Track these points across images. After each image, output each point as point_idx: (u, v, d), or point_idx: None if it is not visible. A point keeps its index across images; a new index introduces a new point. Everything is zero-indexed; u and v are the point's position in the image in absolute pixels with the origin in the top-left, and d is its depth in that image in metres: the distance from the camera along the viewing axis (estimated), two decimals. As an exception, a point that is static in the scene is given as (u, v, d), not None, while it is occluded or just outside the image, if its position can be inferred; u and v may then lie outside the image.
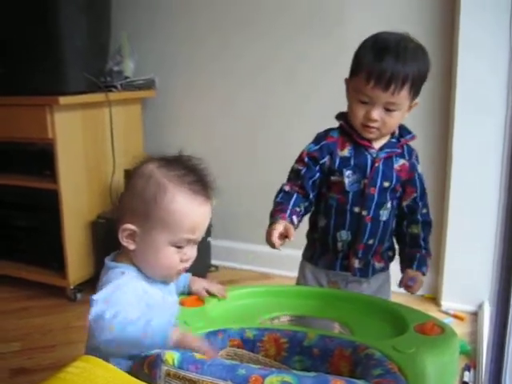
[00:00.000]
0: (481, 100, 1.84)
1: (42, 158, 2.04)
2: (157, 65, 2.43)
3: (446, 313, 1.95)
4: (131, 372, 0.75)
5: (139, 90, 2.37)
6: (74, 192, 2.07)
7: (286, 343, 0.92)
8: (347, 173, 1.16)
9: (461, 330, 1.78)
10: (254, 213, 2.15)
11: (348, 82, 1.16)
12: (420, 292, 1.45)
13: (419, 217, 1.22)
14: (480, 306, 1.93)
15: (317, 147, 1.18)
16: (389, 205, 1.19)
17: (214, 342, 0.88)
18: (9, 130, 2.00)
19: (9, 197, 2.17)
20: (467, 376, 1.50)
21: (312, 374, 0.73)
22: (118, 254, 0.92)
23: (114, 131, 2.20)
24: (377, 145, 1.17)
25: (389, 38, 1.10)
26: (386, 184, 1.17)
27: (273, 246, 1.06)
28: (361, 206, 1.17)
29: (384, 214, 1.18)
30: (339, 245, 1.20)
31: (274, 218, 1.11)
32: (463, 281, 1.96)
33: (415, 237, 1.22)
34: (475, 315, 1.93)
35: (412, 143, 1.22)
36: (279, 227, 1.05)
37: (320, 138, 1.20)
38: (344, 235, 1.19)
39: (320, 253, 1.25)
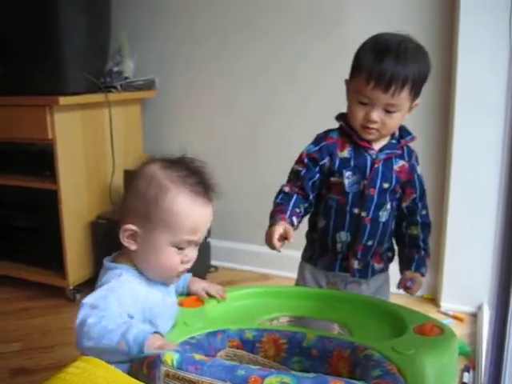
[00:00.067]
0: (481, 100, 1.83)
1: (42, 159, 2.04)
2: (157, 65, 2.43)
3: (446, 314, 1.95)
4: (130, 372, 0.75)
5: (139, 91, 2.37)
6: (74, 192, 2.07)
7: (285, 344, 0.92)
8: (347, 174, 1.15)
9: (460, 330, 1.78)
10: (253, 213, 2.15)
11: (348, 82, 1.16)
12: (419, 293, 1.44)
13: (418, 218, 1.22)
14: (479, 307, 1.93)
15: (316, 148, 1.18)
16: (388, 206, 1.19)
17: (214, 343, 0.89)
18: (9, 130, 2.00)
19: (9, 197, 2.17)
20: (466, 377, 1.50)
21: (311, 374, 0.73)
22: (119, 254, 0.92)
23: (113, 132, 2.20)
24: (376, 146, 1.17)
25: (389, 39, 1.10)
26: (386, 185, 1.17)
27: (273, 248, 1.05)
28: (360, 207, 1.17)
29: (383, 215, 1.18)
30: (338, 246, 1.20)
31: (273, 219, 1.11)
32: (463, 282, 1.96)
33: (414, 238, 1.22)
34: (475, 316, 1.92)
35: (412, 144, 1.22)
36: (279, 229, 1.05)
37: (320, 138, 1.19)
38: (343, 236, 1.19)
39: (319, 253, 1.25)
